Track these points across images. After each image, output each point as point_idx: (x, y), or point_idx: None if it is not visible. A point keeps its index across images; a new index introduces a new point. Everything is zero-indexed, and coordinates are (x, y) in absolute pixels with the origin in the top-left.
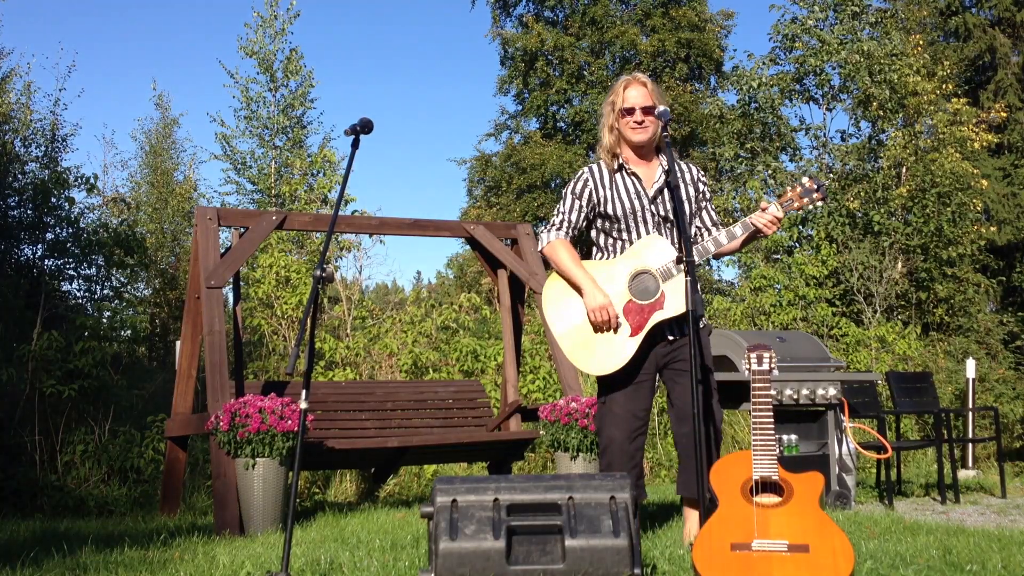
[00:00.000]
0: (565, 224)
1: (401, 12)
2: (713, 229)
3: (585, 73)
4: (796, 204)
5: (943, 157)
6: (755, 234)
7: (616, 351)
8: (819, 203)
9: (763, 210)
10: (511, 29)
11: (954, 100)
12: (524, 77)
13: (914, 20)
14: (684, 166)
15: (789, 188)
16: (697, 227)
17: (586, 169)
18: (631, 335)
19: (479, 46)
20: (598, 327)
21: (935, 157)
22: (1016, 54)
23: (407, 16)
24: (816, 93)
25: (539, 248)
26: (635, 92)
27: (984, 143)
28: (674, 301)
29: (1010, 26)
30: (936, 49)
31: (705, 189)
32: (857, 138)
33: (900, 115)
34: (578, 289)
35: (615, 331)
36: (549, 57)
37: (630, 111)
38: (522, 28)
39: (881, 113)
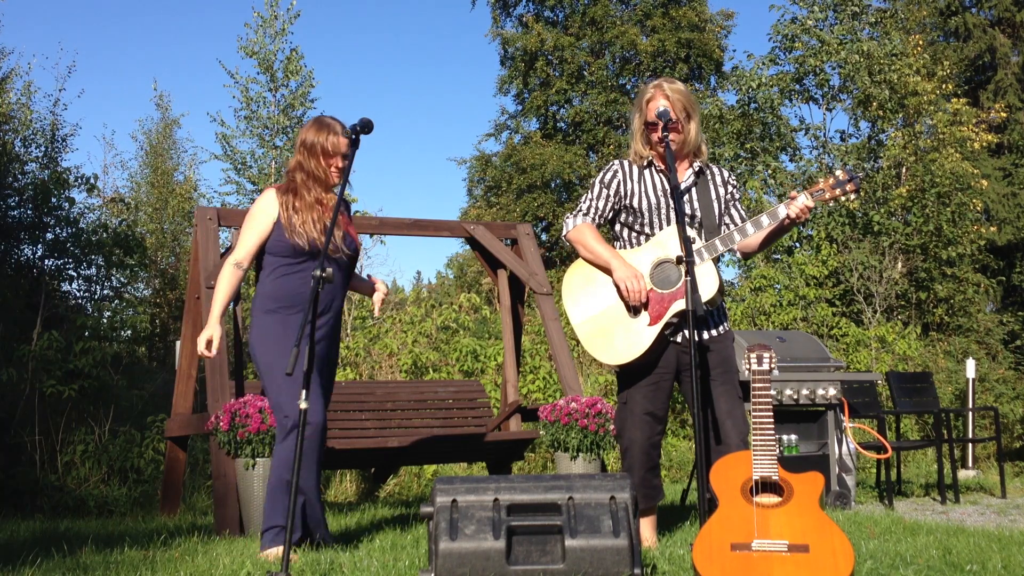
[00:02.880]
0: (592, 210)
1: (401, 12)
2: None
3: (585, 73)
4: (828, 195)
5: (943, 157)
6: (784, 225)
7: (634, 340)
8: (852, 195)
9: (792, 199)
10: (511, 29)
11: (954, 100)
12: (524, 77)
13: (914, 20)
14: (716, 168)
15: (822, 179)
16: (725, 224)
17: (616, 162)
18: (650, 324)
19: (479, 46)
20: (631, 300)
21: (935, 157)
22: (1016, 54)
23: (407, 16)
24: (816, 93)
25: (564, 233)
26: (657, 105)
27: (984, 143)
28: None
29: (1010, 26)
30: (936, 49)
31: (734, 192)
32: (857, 138)
33: (900, 115)
34: (605, 269)
35: (635, 315)
36: (549, 57)
37: (652, 126)
38: (522, 28)
39: (881, 113)
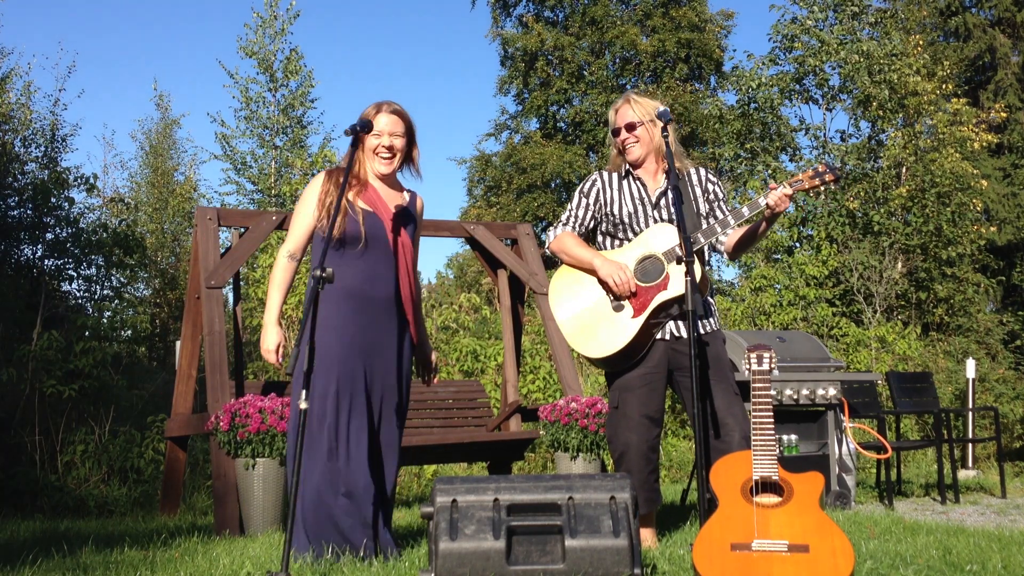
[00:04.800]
0: (572, 220)
1: (401, 12)
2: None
3: (585, 73)
4: (807, 184)
5: (943, 157)
6: (766, 216)
7: (618, 332)
8: (832, 184)
9: (771, 189)
10: (511, 29)
11: (954, 100)
12: (524, 77)
13: (914, 20)
14: (692, 169)
15: (801, 172)
16: (709, 223)
17: (596, 173)
18: (633, 316)
19: (479, 46)
20: (619, 291)
21: (935, 157)
22: (1016, 54)
23: (407, 16)
24: (816, 93)
25: (547, 245)
26: (620, 112)
27: (984, 143)
28: (678, 282)
29: (1010, 26)
30: (936, 49)
31: (716, 189)
32: (857, 138)
33: (900, 115)
34: (588, 269)
35: (619, 310)
36: (549, 57)
37: (616, 132)
38: (522, 28)
39: (881, 113)
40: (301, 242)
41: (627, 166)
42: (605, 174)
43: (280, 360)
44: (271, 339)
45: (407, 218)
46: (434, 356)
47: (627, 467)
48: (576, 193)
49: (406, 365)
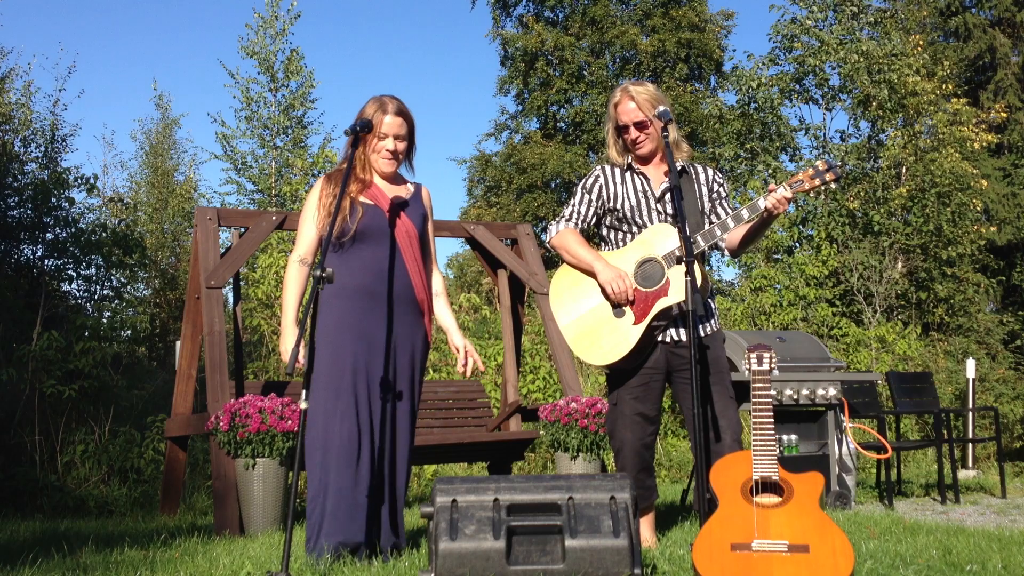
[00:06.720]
0: (575, 215)
1: (401, 13)
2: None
3: (585, 73)
4: (807, 185)
5: (943, 157)
6: (765, 218)
7: (620, 340)
8: (832, 184)
9: (771, 191)
10: (511, 29)
11: (954, 100)
12: (524, 77)
13: (914, 20)
14: (700, 167)
15: (800, 171)
16: (712, 222)
17: (598, 167)
18: (635, 323)
19: (479, 46)
20: (617, 299)
21: (935, 157)
22: (1016, 54)
23: (407, 17)
24: (816, 93)
25: (548, 239)
26: (625, 108)
27: (984, 143)
28: (679, 287)
29: (1010, 26)
30: (936, 49)
31: (721, 189)
32: (857, 138)
33: (900, 115)
34: (589, 272)
35: (620, 315)
36: (549, 57)
37: (624, 129)
38: (522, 28)
39: (880, 113)
40: (310, 248)
41: (629, 160)
42: (607, 168)
43: (300, 363)
44: (289, 340)
45: (411, 209)
46: (464, 343)
47: (622, 463)
48: (578, 188)
49: (419, 362)
